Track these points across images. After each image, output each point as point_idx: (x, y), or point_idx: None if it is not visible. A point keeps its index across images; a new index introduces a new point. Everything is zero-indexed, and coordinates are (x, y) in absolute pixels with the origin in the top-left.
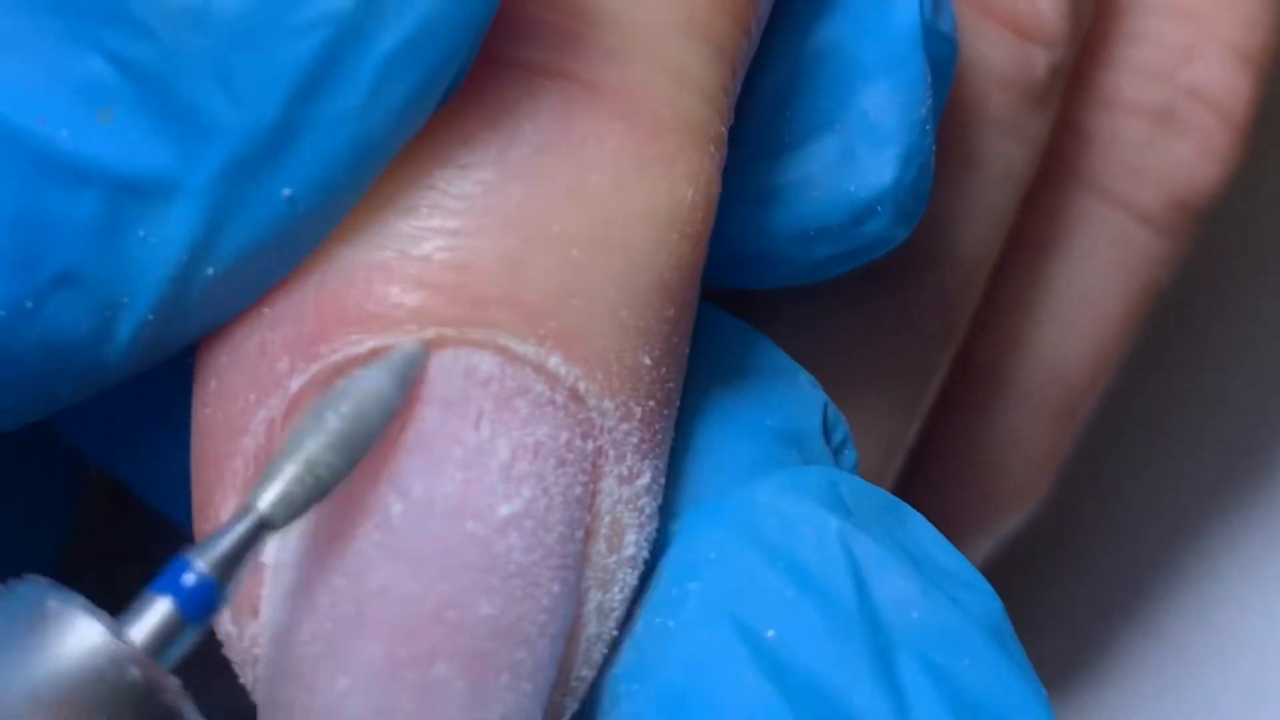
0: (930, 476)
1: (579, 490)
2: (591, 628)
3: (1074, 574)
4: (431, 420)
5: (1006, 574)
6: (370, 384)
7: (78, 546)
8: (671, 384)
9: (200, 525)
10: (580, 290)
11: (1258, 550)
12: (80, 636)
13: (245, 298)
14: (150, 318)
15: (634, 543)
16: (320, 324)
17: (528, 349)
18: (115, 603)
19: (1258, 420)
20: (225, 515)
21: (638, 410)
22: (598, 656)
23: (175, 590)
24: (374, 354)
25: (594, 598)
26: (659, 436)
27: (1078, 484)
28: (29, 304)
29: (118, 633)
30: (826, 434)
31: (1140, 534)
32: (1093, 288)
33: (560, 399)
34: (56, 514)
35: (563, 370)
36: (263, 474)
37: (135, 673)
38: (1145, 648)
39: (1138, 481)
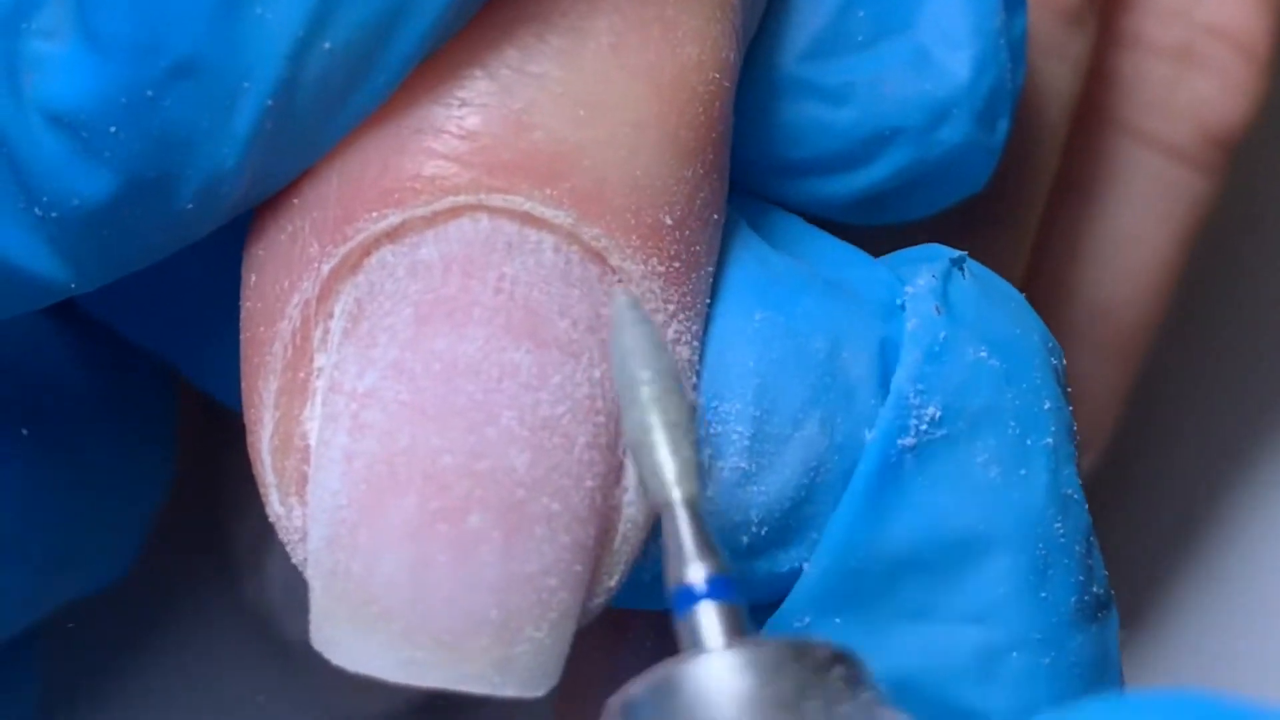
0: None
1: (605, 345)
2: (631, 491)
3: (1128, 521)
4: (453, 285)
5: None
6: (623, 339)
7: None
8: (698, 247)
9: (248, 412)
10: (590, 150)
11: None
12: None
13: (354, 96)
14: (269, 103)
15: None
16: (343, 206)
17: (545, 210)
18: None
19: None
20: (268, 398)
21: (661, 269)
22: (641, 518)
23: (710, 595)
24: (400, 229)
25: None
26: (687, 299)
27: (1134, 428)
28: (149, 93)
29: (737, 642)
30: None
31: (1195, 479)
32: (1134, 227)
33: (580, 257)
34: (158, 455)
35: (581, 229)
36: (644, 471)
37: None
38: (1198, 593)
39: (1192, 425)
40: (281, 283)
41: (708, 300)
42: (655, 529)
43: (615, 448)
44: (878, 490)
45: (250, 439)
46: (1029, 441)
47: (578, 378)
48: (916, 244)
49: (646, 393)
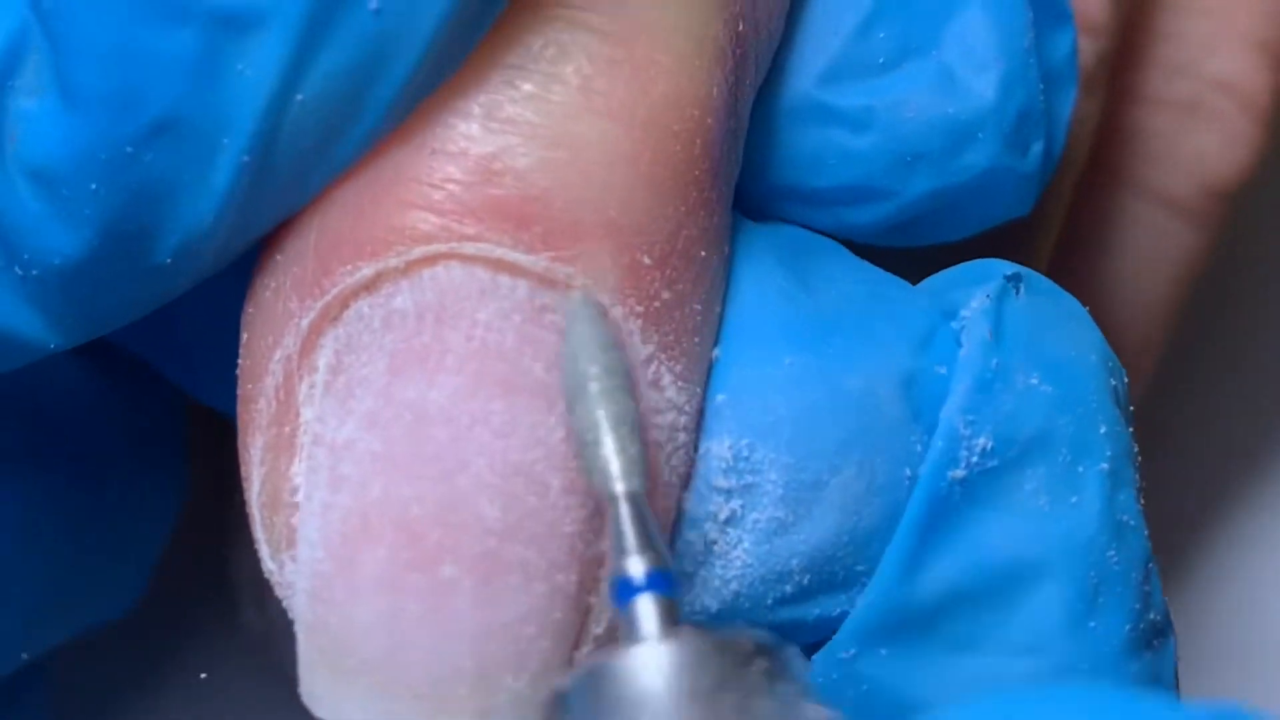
0: None
1: None
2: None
3: None
4: (426, 334)
5: None
6: (574, 335)
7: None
8: (683, 285)
9: (242, 468)
10: (562, 193)
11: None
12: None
13: (333, 148)
14: (245, 159)
15: (654, 442)
16: (319, 260)
17: (518, 256)
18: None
19: None
20: (255, 454)
21: (640, 309)
22: None
23: (648, 588)
24: (375, 280)
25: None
26: (670, 338)
27: None
28: (128, 149)
29: (672, 635)
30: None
31: (1182, 521)
32: (1132, 277)
33: (554, 300)
34: (169, 483)
35: (555, 272)
36: (590, 466)
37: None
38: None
39: (1180, 473)
40: (266, 339)
41: (698, 338)
42: None
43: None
44: (928, 524)
45: (245, 494)
46: (1080, 468)
47: (551, 423)
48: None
49: (594, 388)
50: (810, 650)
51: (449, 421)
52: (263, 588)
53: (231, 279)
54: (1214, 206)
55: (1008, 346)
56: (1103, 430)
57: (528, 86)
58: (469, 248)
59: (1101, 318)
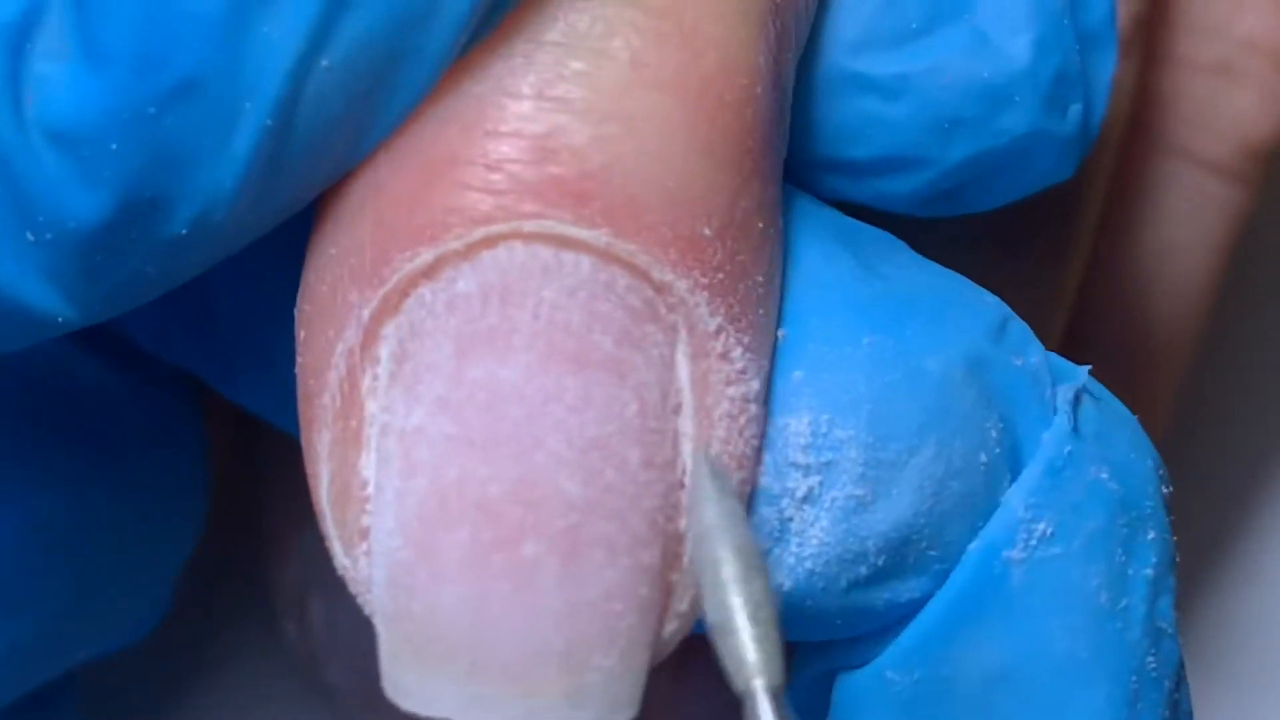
0: None
1: (653, 363)
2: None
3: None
4: (492, 315)
5: None
6: (704, 517)
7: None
8: (743, 257)
9: (308, 466)
10: (619, 167)
11: None
12: None
13: (353, 117)
14: (268, 123)
15: (727, 414)
16: (377, 249)
17: (579, 231)
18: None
19: None
20: (322, 450)
21: (705, 281)
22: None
23: None
24: (435, 265)
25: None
26: (735, 309)
27: (1175, 436)
28: (151, 110)
29: None
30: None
31: (1236, 486)
32: (1176, 240)
33: (618, 275)
34: (191, 500)
35: (617, 247)
36: (726, 657)
37: None
38: (1223, 599)
39: (1233, 433)
40: (326, 334)
41: (763, 310)
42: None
43: (674, 466)
44: (977, 600)
45: (313, 494)
46: (1130, 571)
47: (625, 396)
48: (959, 262)
49: (727, 574)
50: (872, 639)
51: (521, 399)
52: (304, 603)
53: (276, 280)
54: (1253, 167)
55: (1083, 437)
56: (1151, 536)
57: (577, 64)
58: (529, 225)
59: (1147, 284)
